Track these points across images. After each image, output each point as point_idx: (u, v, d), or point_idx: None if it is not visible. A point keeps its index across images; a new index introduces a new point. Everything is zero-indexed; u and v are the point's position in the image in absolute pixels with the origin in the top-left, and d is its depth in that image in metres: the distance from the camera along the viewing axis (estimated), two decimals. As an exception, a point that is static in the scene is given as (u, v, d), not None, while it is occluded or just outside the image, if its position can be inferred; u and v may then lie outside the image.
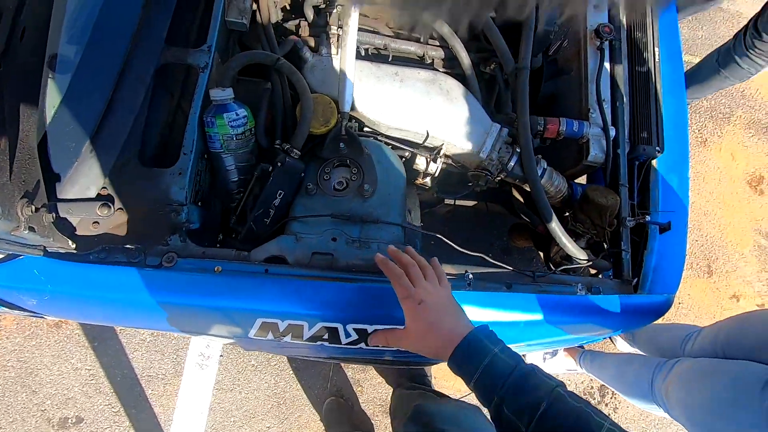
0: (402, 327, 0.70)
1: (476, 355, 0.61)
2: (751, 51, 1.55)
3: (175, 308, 0.77)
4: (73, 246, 0.75)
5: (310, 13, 1.03)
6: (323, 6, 1.04)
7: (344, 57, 0.93)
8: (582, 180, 1.26)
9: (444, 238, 0.91)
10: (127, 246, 0.77)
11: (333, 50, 1.00)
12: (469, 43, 1.11)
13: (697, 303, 1.99)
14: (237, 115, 0.83)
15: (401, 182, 0.92)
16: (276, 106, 0.92)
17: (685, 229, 1.14)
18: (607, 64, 1.10)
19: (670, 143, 1.11)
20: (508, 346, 0.64)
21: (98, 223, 0.77)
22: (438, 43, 1.11)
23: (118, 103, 0.77)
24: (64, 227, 0.75)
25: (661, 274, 1.04)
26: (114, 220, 0.78)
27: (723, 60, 1.67)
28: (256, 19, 0.96)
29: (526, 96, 0.99)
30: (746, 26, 1.56)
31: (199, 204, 0.85)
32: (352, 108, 0.95)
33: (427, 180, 1.09)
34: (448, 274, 0.82)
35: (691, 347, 1.25)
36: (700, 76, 1.80)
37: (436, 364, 1.34)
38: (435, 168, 1.04)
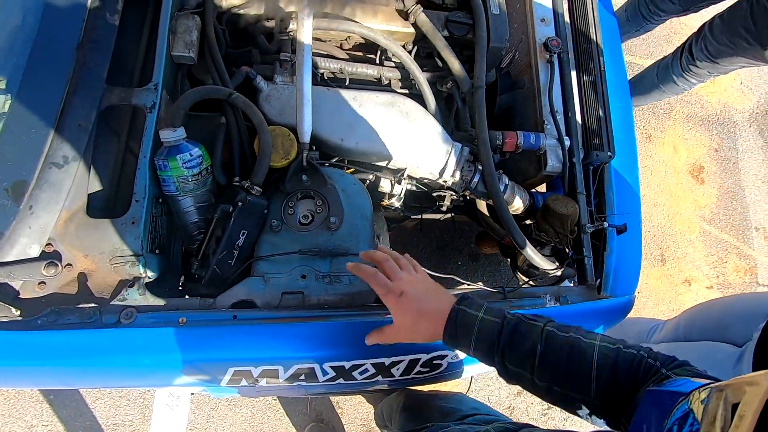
0: (390, 324, 0.69)
1: (464, 326, 0.63)
2: (686, 72, 1.67)
3: (138, 367, 0.72)
4: (17, 313, 0.68)
5: (261, 40, 1.00)
6: (275, 31, 1.01)
7: (300, 85, 0.91)
8: (542, 188, 1.30)
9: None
10: (80, 305, 0.71)
11: (288, 78, 0.98)
12: (424, 62, 1.12)
13: (654, 291, 2.10)
14: (191, 155, 0.78)
15: (367, 210, 0.91)
16: (233, 141, 0.88)
17: (640, 227, 1.20)
18: (557, 76, 1.13)
19: (620, 146, 1.16)
20: (491, 306, 0.65)
21: (45, 283, 0.71)
22: (393, 64, 1.11)
23: (58, 153, 0.72)
24: (6, 293, 0.69)
25: (621, 273, 1.09)
26: (63, 279, 0.72)
27: (661, 76, 1.79)
28: (204, 51, 0.92)
29: (484, 114, 1.00)
30: (682, 48, 1.67)
31: (157, 252, 0.80)
32: (312, 137, 0.93)
33: (393, 201, 1.09)
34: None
35: (656, 338, 1.31)
36: (641, 88, 1.92)
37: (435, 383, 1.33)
38: (400, 190, 1.04)
